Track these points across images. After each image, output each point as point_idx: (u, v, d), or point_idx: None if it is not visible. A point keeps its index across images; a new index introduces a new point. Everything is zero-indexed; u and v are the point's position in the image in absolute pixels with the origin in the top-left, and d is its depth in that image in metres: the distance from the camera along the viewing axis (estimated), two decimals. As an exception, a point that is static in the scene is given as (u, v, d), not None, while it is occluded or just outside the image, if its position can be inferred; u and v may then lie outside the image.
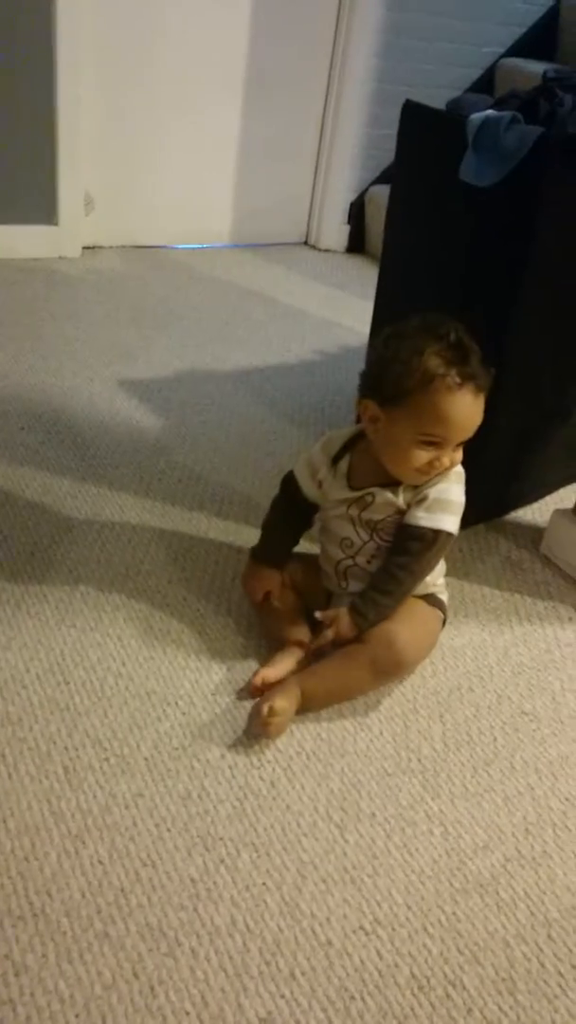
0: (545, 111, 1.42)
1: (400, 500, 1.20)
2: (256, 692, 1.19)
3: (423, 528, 1.19)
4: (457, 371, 1.12)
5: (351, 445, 1.27)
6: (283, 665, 1.21)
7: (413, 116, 1.58)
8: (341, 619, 1.20)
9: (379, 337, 1.21)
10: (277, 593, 1.32)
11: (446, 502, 1.19)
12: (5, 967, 0.85)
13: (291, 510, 1.35)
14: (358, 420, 1.25)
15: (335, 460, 1.28)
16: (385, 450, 1.19)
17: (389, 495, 1.20)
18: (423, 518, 1.19)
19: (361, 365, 1.23)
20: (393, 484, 1.21)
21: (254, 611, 1.35)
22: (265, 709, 1.12)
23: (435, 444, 1.15)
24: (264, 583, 1.33)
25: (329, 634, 1.20)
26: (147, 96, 2.76)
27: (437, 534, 1.19)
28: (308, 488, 1.31)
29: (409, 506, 1.20)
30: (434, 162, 1.54)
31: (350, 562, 1.27)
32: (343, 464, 1.27)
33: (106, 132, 2.74)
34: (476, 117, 1.40)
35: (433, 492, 1.19)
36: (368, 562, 1.26)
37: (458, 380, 1.12)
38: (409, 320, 1.18)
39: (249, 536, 1.53)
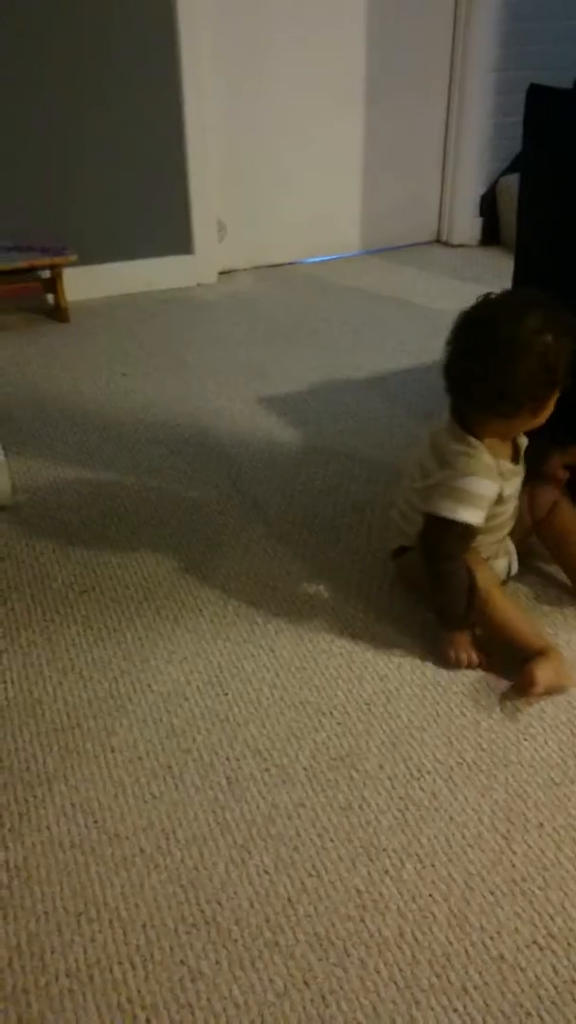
0: None
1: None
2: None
3: None
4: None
5: (480, 437, 1.24)
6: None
7: (539, 99, 1.53)
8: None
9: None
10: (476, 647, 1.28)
11: None
12: (182, 972, 0.88)
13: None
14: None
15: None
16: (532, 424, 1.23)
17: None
18: None
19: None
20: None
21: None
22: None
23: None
24: (472, 646, 1.27)
25: None
26: (268, 117, 2.82)
27: None
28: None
29: None
30: (565, 143, 1.48)
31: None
32: (498, 459, 1.24)
33: (232, 158, 2.82)
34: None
35: None
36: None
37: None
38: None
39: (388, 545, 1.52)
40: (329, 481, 1.75)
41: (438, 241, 3.27)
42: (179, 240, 2.80)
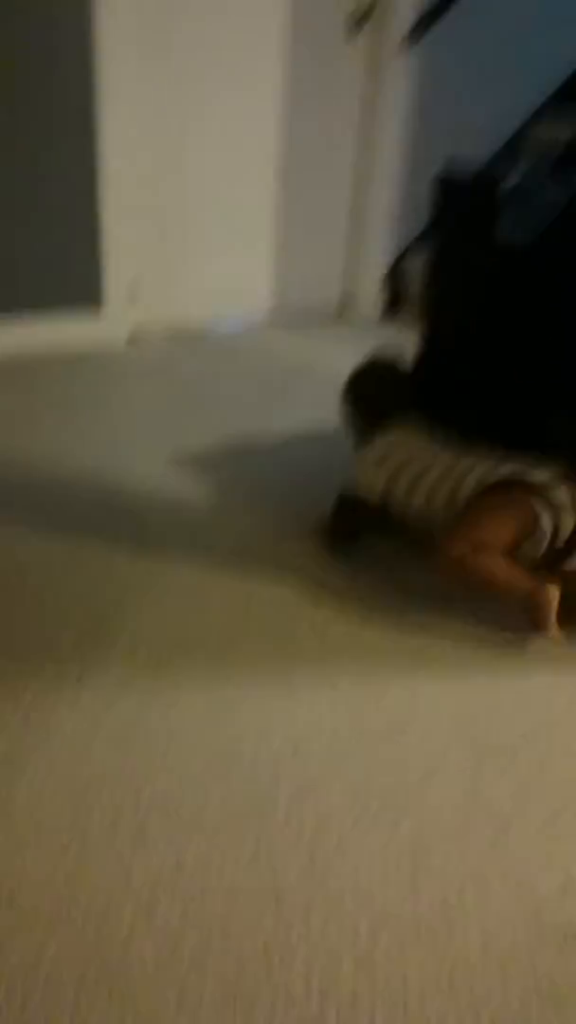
0: (574, 173, 1.47)
1: None
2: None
3: None
4: None
5: None
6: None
7: (446, 185, 1.65)
8: None
9: None
10: None
11: None
12: None
13: None
14: None
15: None
16: None
17: None
18: None
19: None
20: None
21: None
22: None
23: None
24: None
25: None
26: (184, 185, 2.91)
27: None
28: None
29: None
30: (469, 227, 1.60)
31: None
32: None
33: (147, 219, 2.88)
34: (509, 181, 1.45)
35: None
36: None
37: None
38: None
39: (300, 597, 1.56)
40: (238, 538, 1.77)
41: (343, 313, 3.41)
42: (90, 297, 2.81)
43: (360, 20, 2.92)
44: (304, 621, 1.51)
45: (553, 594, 1.37)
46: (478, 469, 1.53)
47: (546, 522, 1.44)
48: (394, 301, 3.37)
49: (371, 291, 3.33)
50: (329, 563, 1.69)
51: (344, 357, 2.89)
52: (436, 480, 1.57)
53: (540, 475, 1.46)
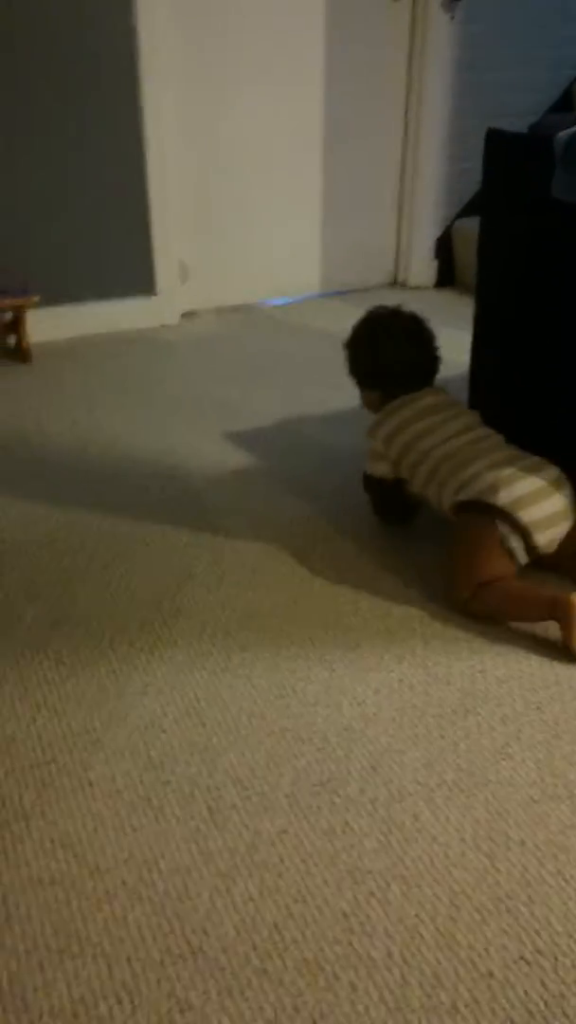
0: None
1: None
2: None
3: None
4: None
5: None
6: None
7: (498, 143, 1.60)
8: None
9: None
10: None
11: None
12: (170, 1005, 0.87)
13: None
14: None
15: None
16: None
17: None
18: None
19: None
20: None
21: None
22: None
23: None
24: None
25: None
26: (229, 164, 2.89)
27: None
28: None
29: None
30: (524, 185, 1.55)
31: None
32: None
33: (195, 203, 2.88)
34: (563, 135, 1.41)
35: None
36: None
37: None
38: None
39: (360, 574, 1.55)
40: (298, 513, 1.77)
41: (395, 283, 3.35)
42: (142, 282, 2.83)
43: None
44: (365, 597, 1.50)
45: (573, 601, 1.32)
46: (451, 483, 1.49)
47: (514, 543, 1.41)
48: (448, 268, 3.30)
49: (424, 259, 3.27)
50: (387, 537, 1.68)
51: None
52: (426, 476, 1.55)
53: (506, 496, 1.41)
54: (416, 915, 0.95)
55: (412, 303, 1.78)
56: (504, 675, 1.32)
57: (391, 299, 1.83)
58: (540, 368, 1.63)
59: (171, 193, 2.76)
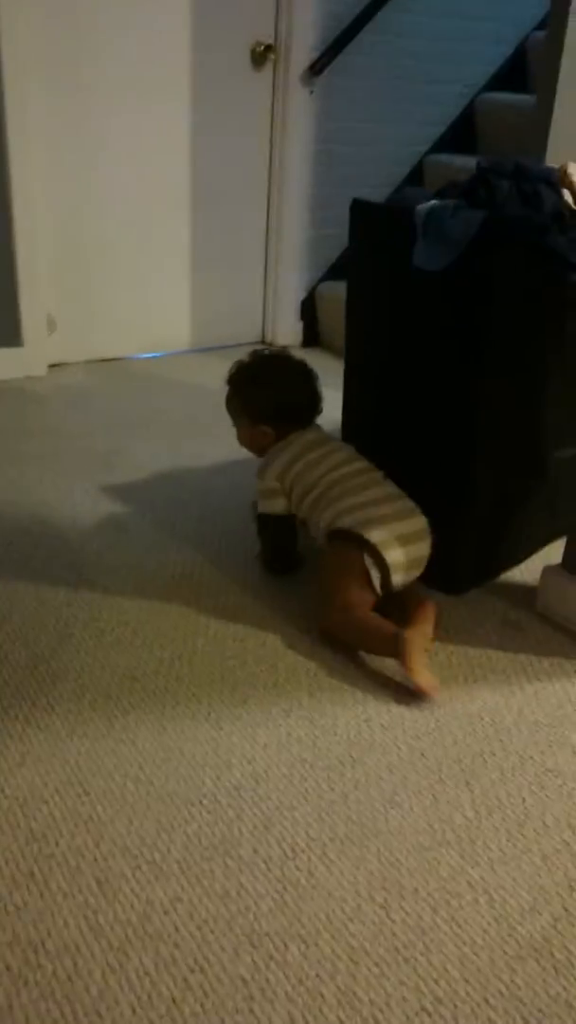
0: (484, 197, 1.52)
1: None
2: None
3: None
4: None
5: None
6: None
7: (362, 213, 1.69)
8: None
9: None
10: None
11: None
12: None
13: None
14: None
15: None
16: None
17: None
18: None
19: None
20: None
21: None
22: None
23: None
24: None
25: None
26: (99, 218, 2.89)
27: None
28: None
29: None
30: (386, 253, 1.64)
31: None
32: None
33: (63, 256, 2.85)
34: (423, 207, 1.50)
35: None
36: None
37: None
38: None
39: (246, 626, 1.55)
40: (182, 567, 1.75)
41: (264, 341, 3.43)
42: (7, 332, 2.76)
43: (264, 51, 2.97)
44: (252, 650, 1.50)
45: (410, 637, 1.39)
46: (331, 510, 1.56)
47: (374, 577, 1.50)
48: (312, 328, 3.41)
49: (290, 320, 3.37)
50: (274, 585, 1.69)
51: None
52: (313, 502, 1.61)
53: (378, 535, 1.49)
54: (316, 975, 0.94)
55: (286, 361, 1.82)
56: (388, 722, 1.34)
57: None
58: (406, 421, 1.70)
59: (40, 244, 2.72)
